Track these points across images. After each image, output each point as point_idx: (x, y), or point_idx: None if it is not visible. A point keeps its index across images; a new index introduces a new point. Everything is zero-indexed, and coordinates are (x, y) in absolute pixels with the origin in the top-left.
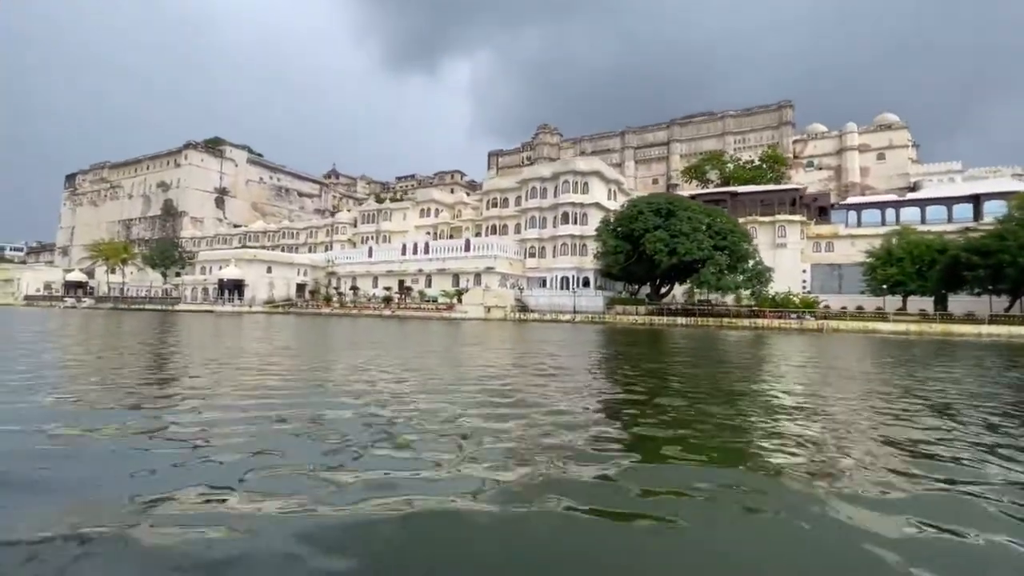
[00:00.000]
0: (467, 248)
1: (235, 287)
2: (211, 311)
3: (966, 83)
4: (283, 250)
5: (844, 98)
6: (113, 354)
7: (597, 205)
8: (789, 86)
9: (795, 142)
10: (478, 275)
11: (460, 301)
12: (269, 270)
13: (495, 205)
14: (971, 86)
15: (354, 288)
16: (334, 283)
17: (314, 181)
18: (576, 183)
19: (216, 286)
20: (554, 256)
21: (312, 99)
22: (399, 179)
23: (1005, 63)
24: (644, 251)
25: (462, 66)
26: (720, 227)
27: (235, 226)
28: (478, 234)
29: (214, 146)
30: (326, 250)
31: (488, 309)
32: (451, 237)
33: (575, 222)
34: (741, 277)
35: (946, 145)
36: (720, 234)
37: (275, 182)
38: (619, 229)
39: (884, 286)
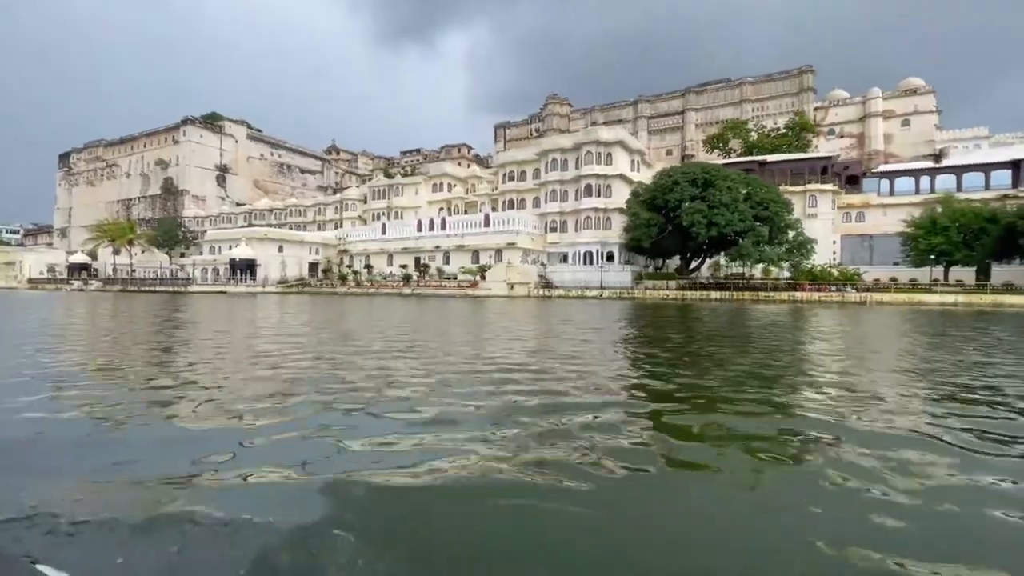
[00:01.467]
0: (487, 223)
1: (247, 267)
2: (223, 292)
3: (974, 53)
4: (290, 228)
5: (864, 64)
6: (163, 344)
7: (622, 177)
8: (807, 51)
9: (816, 109)
10: (499, 251)
11: (484, 278)
12: (280, 249)
13: (511, 178)
14: (981, 56)
15: (368, 266)
16: (346, 261)
17: (315, 157)
18: (599, 154)
19: (226, 266)
20: (576, 230)
21: (306, 77)
22: (404, 153)
23: (1012, 34)
24: (679, 223)
25: (458, 40)
26: (761, 197)
27: (238, 204)
28: (494, 209)
29: (212, 122)
30: (335, 227)
31: (511, 286)
32: (465, 212)
33: (598, 194)
34: (782, 248)
35: (959, 112)
36: (761, 204)
37: (276, 158)
38: (653, 201)
39: (932, 256)
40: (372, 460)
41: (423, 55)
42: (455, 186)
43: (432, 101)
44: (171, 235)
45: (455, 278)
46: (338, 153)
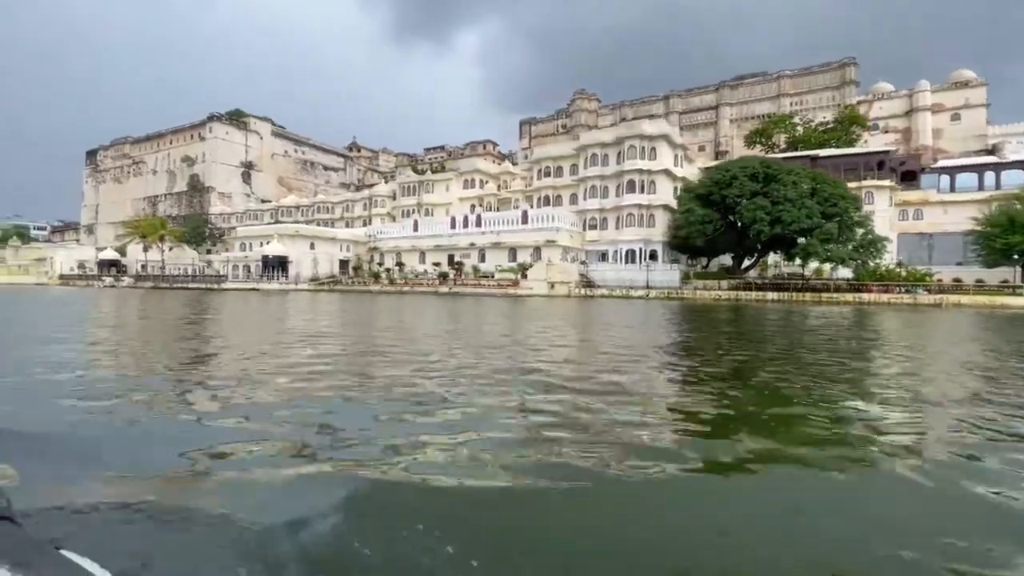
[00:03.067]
0: (524, 220)
1: (279, 264)
2: (256, 289)
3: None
4: (318, 225)
5: (869, 57)
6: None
7: (666, 172)
8: (812, 47)
9: (859, 103)
10: (537, 249)
11: (525, 276)
12: (312, 246)
13: (547, 174)
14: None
15: (399, 264)
16: (377, 259)
17: (337, 154)
18: (643, 148)
19: (258, 263)
20: (618, 228)
21: (309, 77)
22: (428, 150)
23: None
24: (738, 220)
25: (468, 37)
26: (829, 192)
27: (263, 201)
28: (529, 206)
29: (237, 119)
30: (364, 224)
31: (552, 285)
32: (498, 209)
33: (641, 190)
34: (849, 247)
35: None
36: (828, 200)
37: (300, 155)
38: (708, 196)
39: (1015, 256)
40: (397, 458)
41: (432, 53)
42: (487, 182)
43: (440, 100)
44: (199, 232)
45: (492, 276)
46: (359, 150)
